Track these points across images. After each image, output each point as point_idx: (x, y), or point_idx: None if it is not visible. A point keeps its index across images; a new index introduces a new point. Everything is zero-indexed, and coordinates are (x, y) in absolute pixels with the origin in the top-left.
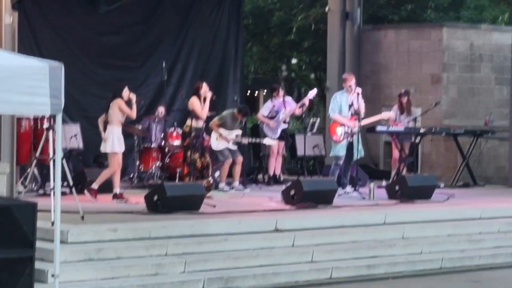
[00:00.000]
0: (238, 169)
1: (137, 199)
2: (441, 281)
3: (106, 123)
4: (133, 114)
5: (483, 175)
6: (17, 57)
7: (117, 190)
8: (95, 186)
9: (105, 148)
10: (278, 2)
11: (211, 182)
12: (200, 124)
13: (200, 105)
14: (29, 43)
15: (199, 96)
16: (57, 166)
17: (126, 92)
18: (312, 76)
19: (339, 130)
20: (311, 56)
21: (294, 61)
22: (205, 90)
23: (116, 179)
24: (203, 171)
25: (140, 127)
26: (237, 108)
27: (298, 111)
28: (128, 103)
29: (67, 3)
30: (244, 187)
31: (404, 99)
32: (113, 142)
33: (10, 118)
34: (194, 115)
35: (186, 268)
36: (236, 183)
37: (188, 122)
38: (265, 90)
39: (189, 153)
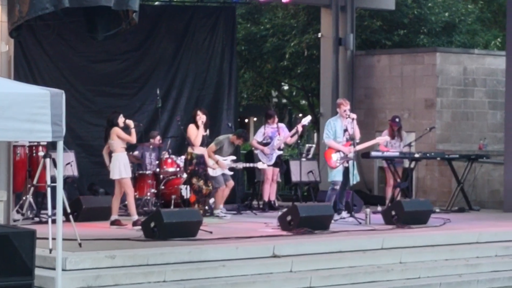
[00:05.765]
0: (226, 193)
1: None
2: None
3: (110, 153)
4: (133, 139)
5: (477, 199)
6: (18, 85)
7: (115, 216)
8: (115, 217)
9: (113, 175)
10: (271, 28)
11: (206, 208)
12: (201, 150)
13: (195, 133)
14: (23, 71)
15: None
16: (59, 193)
17: (121, 119)
18: (305, 102)
19: (335, 156)
20: (304, 81)
21: (286, 87)
22: (200, 116)
23: (115, 205)
24: (205, 198)
25: (135, 153)
26: (236, 133)
27: (290, 140)
28: (126, 129)
29: (61, 31)
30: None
31: (394, 124)
32: (120, 168)
33: (7, 145)
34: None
35: None
36: (221, 206)
37: (190, 149)
38: (255, 119)
39: (194, 180)
